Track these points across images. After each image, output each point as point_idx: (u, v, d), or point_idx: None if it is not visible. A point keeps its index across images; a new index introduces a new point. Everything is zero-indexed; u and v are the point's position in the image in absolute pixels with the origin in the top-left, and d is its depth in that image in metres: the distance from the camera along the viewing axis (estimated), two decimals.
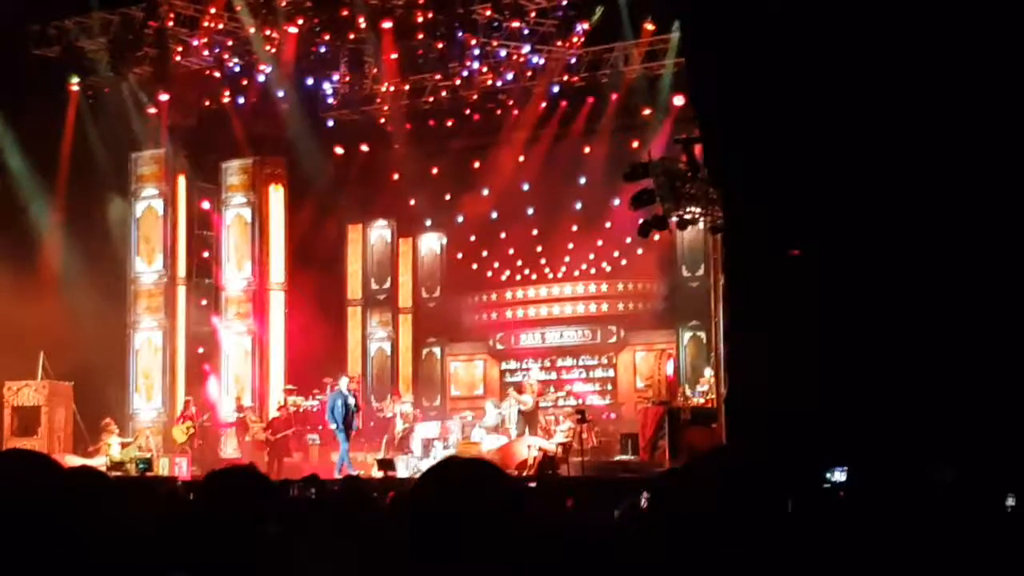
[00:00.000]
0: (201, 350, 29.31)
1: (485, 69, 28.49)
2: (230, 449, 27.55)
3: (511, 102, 29.07)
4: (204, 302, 29.72)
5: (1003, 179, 11.59)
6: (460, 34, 26.90)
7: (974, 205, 11.72)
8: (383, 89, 29.48)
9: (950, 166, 11.79)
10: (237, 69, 28.64)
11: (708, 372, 24.92)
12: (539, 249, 30.51)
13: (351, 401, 24.98)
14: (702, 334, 26.87)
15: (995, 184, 11.63)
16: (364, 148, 30.67)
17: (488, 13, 26.50)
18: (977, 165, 11.67)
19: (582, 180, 28.95)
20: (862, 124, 12.23)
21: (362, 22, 26.94)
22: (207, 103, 29.02)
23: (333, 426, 24.74)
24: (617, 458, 24.24)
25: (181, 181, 29.17)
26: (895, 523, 4.16)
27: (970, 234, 11.73)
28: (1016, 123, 11.39)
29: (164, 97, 28.25)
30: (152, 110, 28.63)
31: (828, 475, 9.53)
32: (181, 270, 29.09)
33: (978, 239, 11.72)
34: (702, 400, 24.34)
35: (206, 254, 29.82)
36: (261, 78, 28.54)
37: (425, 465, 24.03)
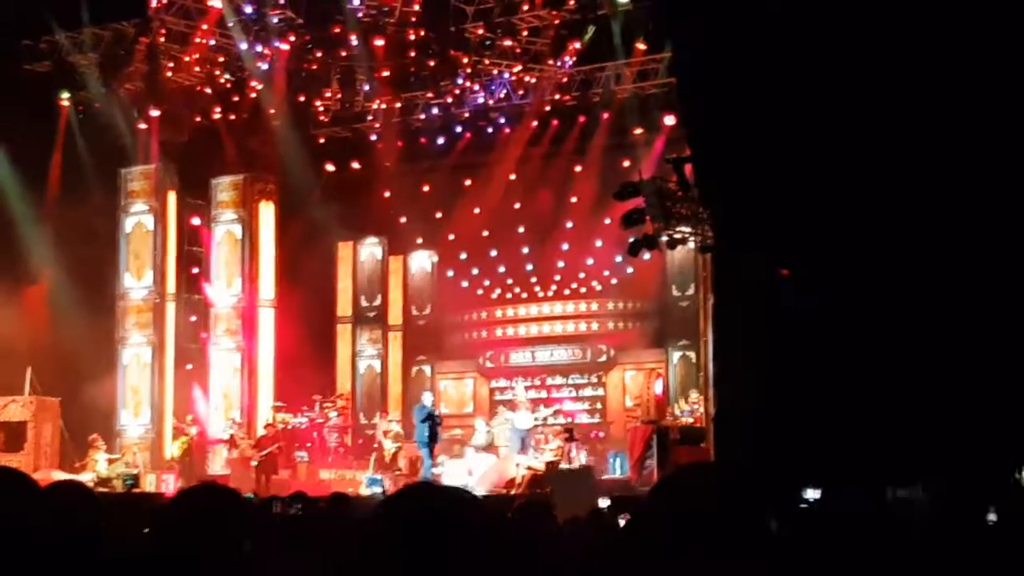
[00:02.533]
0: (190, 366, 29.21)
1: (477, 87, 28.55)
2: (218, 466, 27.44)
3: (502, 120, 29.11)
4: (193, 318, 29.65)
5: (1002, 196, 11.56)
6: (452, 52, 26.94)
7: (966, 225, 11.70)
8: (374, 106, 29.52)
9: (942, 188, 11.78)
10: (228, 86, 28.65)
11: (697, 392, 24.93)
12: (529, 267, 30.53)
13: (436, 416, 24.65)
14: (691, 354, 26.90)
15: (992, 202, 11.61)
16: (355, 165, 30.69)
17: (480, 32, 26.56)
18: (970, 183, 11.65)
19: (573, 199, 28.97)
20: (854, 145, 12.23)
21: (354, 39, 26.96)
22: (198, 119, 29.01)
23: (421, 442, 24.42)
24: (605, 477, 24.18)
25: (171, 197, 29.06)
26: (870, 541, 4.15)
27: (963, 254, 11.71)
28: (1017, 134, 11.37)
29: (155, 113, 28.20)
30: (143, 126, 28.55)
31: (804, 493, 9.52)
32: (170, 286, 28.96)
33: (972, 259, 11.70)
34: (691, 419, 24.34)
35: (195, 270, 29.75)
36: (252, 95, 28.55)
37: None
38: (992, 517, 5.30)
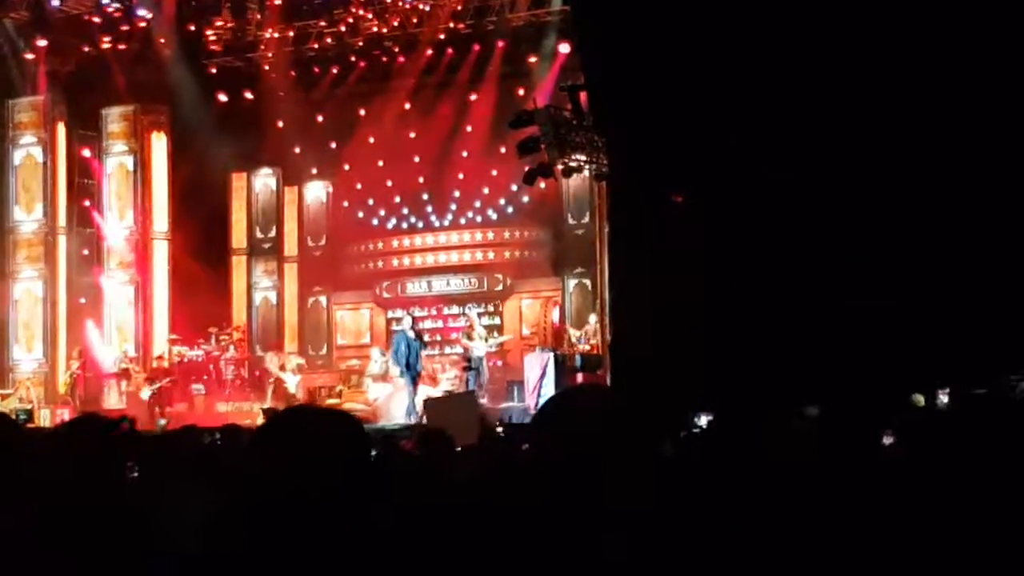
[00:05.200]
0: (83, 300, 28.86)
1: (370, 16, 28.25)
2: (113, 400, 27.23)
3: (397, 49, 28.86)
4: (86, 251, 29.23)
5: (887, 120, 11.74)
6: None
7: (855, 151, 11.88)
8: (267, 35, 29.12)
9: (834, 112, 11.93)
10: (117, 15, 28.08)
11: (593, 319, 25.15)
12: (425, 197, 30.48)
13: (415, 342, 23.48)
14: (587, 281, 27.09)
15: (879, 129, 11.78)
16: (248, 95, 30.28)
17: None
18: (861, 107, 11.82)
19: (468, 128, 28.90)
20: (745, 69, 12.34)
21: None
22: (86, 49, 28.41)
23: (397, 371, 23.86)
24: (503, 405, 24.35)
25: (60, 128, 28.53)
26: (762, 466, 4.25)
27: (854, 180, 11.90)
28: (898, 51, 11.54)
29: (42, 43, 27.58)
30: (29, 56, 27.97)
31: (695, 419, 9.67)
32: (62, 219, 28.49)
33: (860, 184, 11.89)
34: (588, 347, 24.56)
35: (87, 203, 29.29)
36: (141, 24, 28.03)
37: None
38: (888, 440, 5.44)
